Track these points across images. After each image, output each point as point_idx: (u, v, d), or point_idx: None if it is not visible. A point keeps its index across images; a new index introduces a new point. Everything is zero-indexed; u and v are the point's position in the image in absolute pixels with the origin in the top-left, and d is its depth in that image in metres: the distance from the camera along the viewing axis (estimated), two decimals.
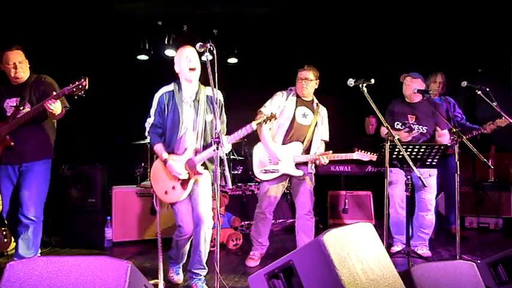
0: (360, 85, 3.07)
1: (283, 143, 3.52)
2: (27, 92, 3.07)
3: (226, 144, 2.70)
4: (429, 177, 3.64)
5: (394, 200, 3.74)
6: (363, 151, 3.42)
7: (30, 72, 3.17)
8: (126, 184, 4.62)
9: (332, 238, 1.70)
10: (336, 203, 5.14)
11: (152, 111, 2.90)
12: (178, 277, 3.14)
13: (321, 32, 5.57)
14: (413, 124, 3.65)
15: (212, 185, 2.90)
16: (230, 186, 3.31)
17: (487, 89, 3.63)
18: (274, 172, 3.47)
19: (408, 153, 3.16)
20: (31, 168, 3.09)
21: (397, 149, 3.12)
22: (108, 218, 4.25)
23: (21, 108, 3.02)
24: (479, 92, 3.60)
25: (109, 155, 5.34)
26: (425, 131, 3.72)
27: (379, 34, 5.46)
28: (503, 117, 3.71)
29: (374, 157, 3.39)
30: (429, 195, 3.68)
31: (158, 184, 2.91)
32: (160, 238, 2.98)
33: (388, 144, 3.06)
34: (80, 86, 2.78)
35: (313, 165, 3.56)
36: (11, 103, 3.08)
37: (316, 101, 3.66)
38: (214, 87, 2.61)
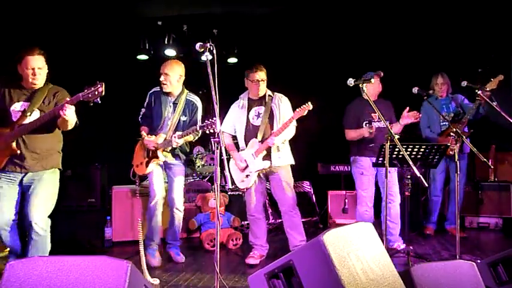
0: (360, 85, 3.07)
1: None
2: (38, 99, 2.86)
3: (178, 140, 3.28)
4: (390, 172, 3.66)
5: (365, 200, 3.81)
6: (297, 109, 3.36)
7: (47, 80, 2.97)
8: (126, 184, 4.62)
9: (332, 238, 1.70)
10: (336, 203, 5.13)
11: (145, 104, 3.64)
12: (155, 259, 3.47)
13: (321, 32, 5.57)
14: (378, 121, 3.80)
15: (187, 174, 3.31)
16: (230, 186, 3.40)
17: (487, 89, 3.63)
18: (249, 176, 3.53)
19: (408, 153, 3.16)
20: (38, 178, 2.87)
21: (397, 149, 3.12)
22: (108, 218, 4.25)
23: (29, 114, 2.80)
24: (479, 92, 3.60)
25: (109, 155, 5.35)
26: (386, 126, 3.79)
27: (379, 34, 5.46)
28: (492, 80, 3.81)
29: (309, 106, 3.33)
30: (394, 187, 3.75)
31: (135, 158, 3.66)
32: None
33: (388, 144, 3.06)
34: (96, 92, 2.62)
35: (285, 152, 3.57)
36: (18, 107, 2.85)
37: (268, 92, 3.63)
38: (214, 87, 2.63)
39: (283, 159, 3.56)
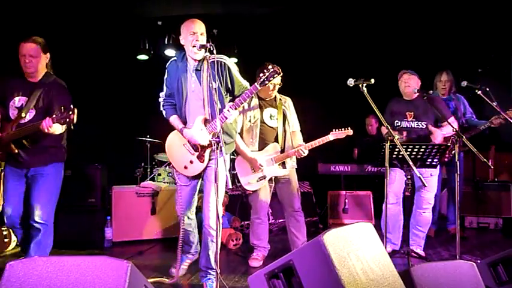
0: (360, 85, 3.07)
1: (260, 149, 3.51)
2: (36, 94, 2.86)
3: (233, 112, 2.70)
4: (430, 176, 3.64)
5: (388, 195, 3.73)
6: (338, 129, 3.45)
7: (47, 72, 2.96)
8: (126, 184, 4.61)
9: (332, 238, 1.70)
10: (336, 203, 5.13)
11: (165, 83, 2.93)
12: (172, 269, 3.17)
13: (321, 31, 5.57)
14: (411, 120, 3.73)
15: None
16: (230, 186, 3.30)
17: (487, 89, 3.63)
18: (261, 180, 3.48)
19: (408, 153, 3.16)
20: (40, 172, 2.91)
21: (397, 149, 3.12)
22: (108, 218, 4.25)
23: (24, 115, 2.81)
24: (479, 92, 3.60)
25: (109, 155, 5.34)
26: (424, 126, 3.73)
27: (379, 34, 5.46)
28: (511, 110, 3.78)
29: (350, 131, 3.42)
30: (428, 194, 3.68)
31: (175, 159, 2.93)
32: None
33: (388, 144, 3.06)
34: (68, 119, 2.59)
35: (294, 159, 3.59)
36: (18, 102, 2.87)
37: (278, 96, 3.61)
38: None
39: (294, 162, 3.61)
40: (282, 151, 3.52)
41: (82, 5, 4.85)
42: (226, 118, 2.69)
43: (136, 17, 5.49)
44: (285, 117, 3.57)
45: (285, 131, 3.56)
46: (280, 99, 3.60)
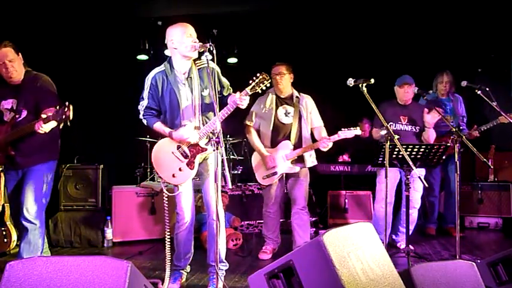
0: (360, 85, 3.07)
1: (273, 146, 3.59)
2: (23, 94, 2.88)
3: (246, 98, 2.73)
4: (413, 177, 3.66)
5: (382, 194, 3.78)
6: (346, 129, 3.40)
7: (26, 69, 2.95)
8: (126, 184, 4.62)
9: (332, 238, 1.70)
10: (336, 203, 5.13)
11: (145, 94, 2.83)
12: (173, 285, 2.89)
13: (322, 31, 5.56)
14: (405, 124, 3.82)
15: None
16: (230, 186, 3.32)
17: (487, 89, 3.63)
18: (274, 175, 3.56)
19: (408, 153, 3.16)
20: (33, 170, 2.94)
21: (397, 149, 3.12)
22: (108, 218, 4.25)
23: (17, 115, 2.85)
24: (479, 92, 3.60)
25: (109, 155, 5.34)
26: (417, 130, 3.83)
27: (379, 33, 5.45)
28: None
29: (358, 131, 3.40)
30: (416, 195, 3.75)
31: (163, 168, 2.80)
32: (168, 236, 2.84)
33: (388, 144, 3.06)
34: (64, 116, 2.50)
35: (313, 156, 3.63)
36: (6, 105, 2.90)
37: (295, 93, 3.67)
38: (214, 87, 2.64)
39: (312, 161, 3.66)
40: (295, 148, 3.55)
41: (82, 5, 4.85)
42: (237, 105, 2.70)
43: (136, 17, 5.50)
44: (300, 115, 3.60)
45: (300, 129, 3.59)
46: (297, 97, 3.65)
